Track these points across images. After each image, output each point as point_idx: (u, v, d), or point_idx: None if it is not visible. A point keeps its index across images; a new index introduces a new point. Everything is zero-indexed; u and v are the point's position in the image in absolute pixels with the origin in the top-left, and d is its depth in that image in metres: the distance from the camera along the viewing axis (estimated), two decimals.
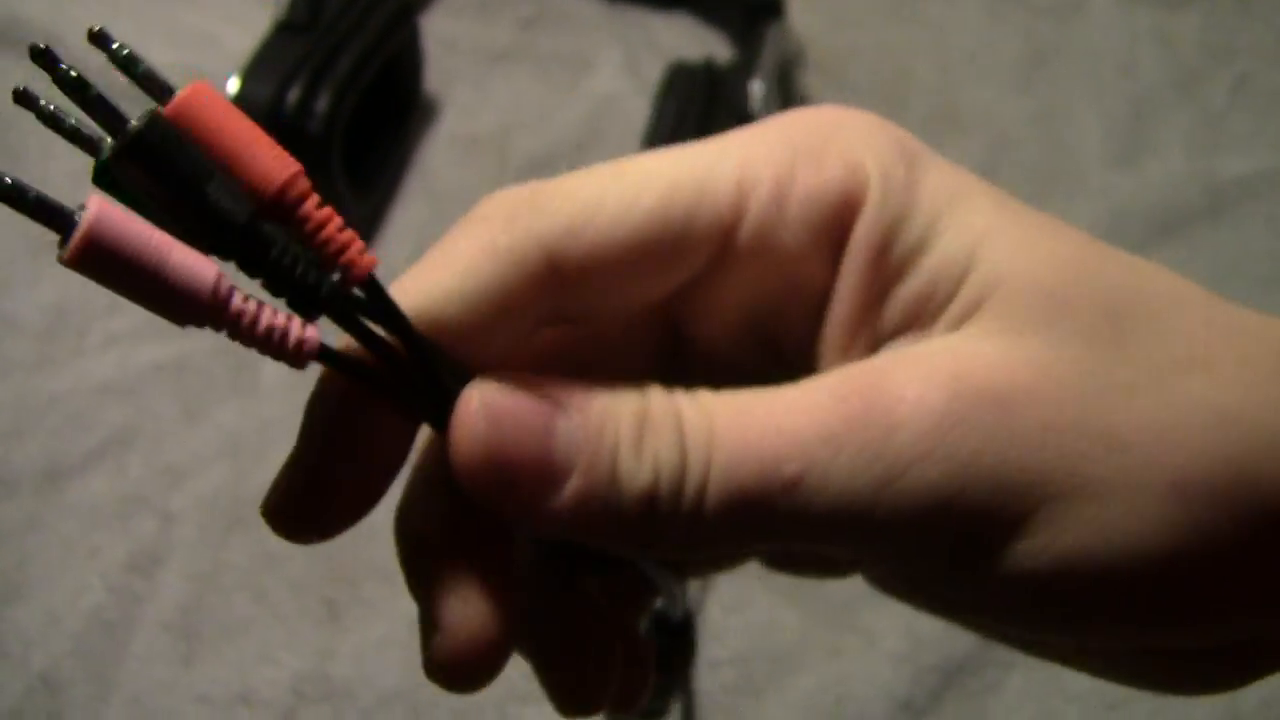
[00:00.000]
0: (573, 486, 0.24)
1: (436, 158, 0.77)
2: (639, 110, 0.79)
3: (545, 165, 0.77)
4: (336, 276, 0.24)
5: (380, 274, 0.24)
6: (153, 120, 0.23)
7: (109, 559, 0.62)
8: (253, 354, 0.72)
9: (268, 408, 0.67)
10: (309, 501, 0.26)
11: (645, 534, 0.24)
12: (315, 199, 0.24)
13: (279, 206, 0.23)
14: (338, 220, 0.24)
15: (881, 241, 0.24)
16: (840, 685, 0.57)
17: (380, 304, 0.24)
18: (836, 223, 0.25)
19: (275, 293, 0.24)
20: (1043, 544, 0.22)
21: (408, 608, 0.62)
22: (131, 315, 0.70)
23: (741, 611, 0.60)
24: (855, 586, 0.61)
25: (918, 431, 0.22)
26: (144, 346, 0.69)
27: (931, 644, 0.58)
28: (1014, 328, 0.23)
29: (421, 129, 0.79)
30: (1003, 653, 0.58)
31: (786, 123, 0.26)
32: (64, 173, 0.76)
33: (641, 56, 0.78)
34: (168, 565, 0.62)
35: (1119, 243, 0.66)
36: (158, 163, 0.23)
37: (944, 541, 0.23)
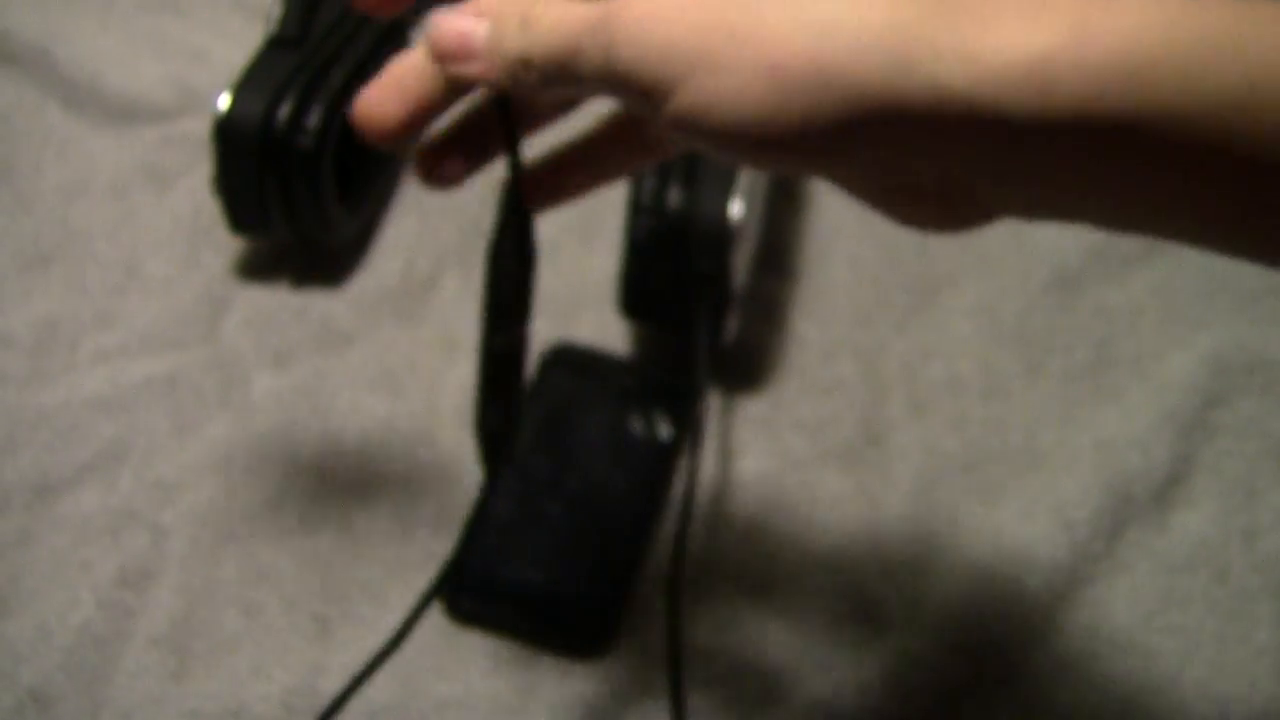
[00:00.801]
0: (478, 63, 0.40)
1: None
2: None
3: None
4: None
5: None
6: None
7: (100, 574, 0.62)
8: (244, 368, 0.71)
9: (259, 422, 0.66)
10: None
11: (514, 84, 0.40)
12: None
13: None
14: None
15: None
16: (831, 703, 0.57)
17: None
18: None
19: None
20: (682, 99, 0.34)
21: (397, 624, 0.62)
22: (123, 330, 0.70)
23: (731, 629, 0.60)
24: (845, 605, 0.61)
25: (616, 43, 0.35)
26: (135, 361, 0.69)
27: (923, 664, 0.58)
28: None
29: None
30: (995, 671, 0.58)
31: None
32: (53, 187, 0.76)
33: None
34: (159, 580, 0.62)
35: (1111, 255, 0.68)
36: None
37: (635, 95, 0.36)
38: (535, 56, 0.38)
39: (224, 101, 0.67)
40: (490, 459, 0.52)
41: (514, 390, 0.52)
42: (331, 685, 0.58)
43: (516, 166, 0.47)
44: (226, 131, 0.67)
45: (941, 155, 0.33)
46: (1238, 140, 0.30)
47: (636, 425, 0.65)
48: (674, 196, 0.62)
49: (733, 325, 0.68)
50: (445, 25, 0.40)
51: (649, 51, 0.35)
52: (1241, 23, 0.30)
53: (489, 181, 0.77)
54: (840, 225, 0.75)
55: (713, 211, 0.62)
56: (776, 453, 0.66)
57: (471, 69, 0.40)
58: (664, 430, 0.65)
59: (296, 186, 0.68)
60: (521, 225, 0.49)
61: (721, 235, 0.63)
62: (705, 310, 0.64)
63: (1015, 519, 0.63)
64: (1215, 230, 0.33)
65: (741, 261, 0.65)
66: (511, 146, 0.46)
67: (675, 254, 0.63)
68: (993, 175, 0.34)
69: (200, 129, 0.78)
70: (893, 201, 0.39)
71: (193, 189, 0.76)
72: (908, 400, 0.68)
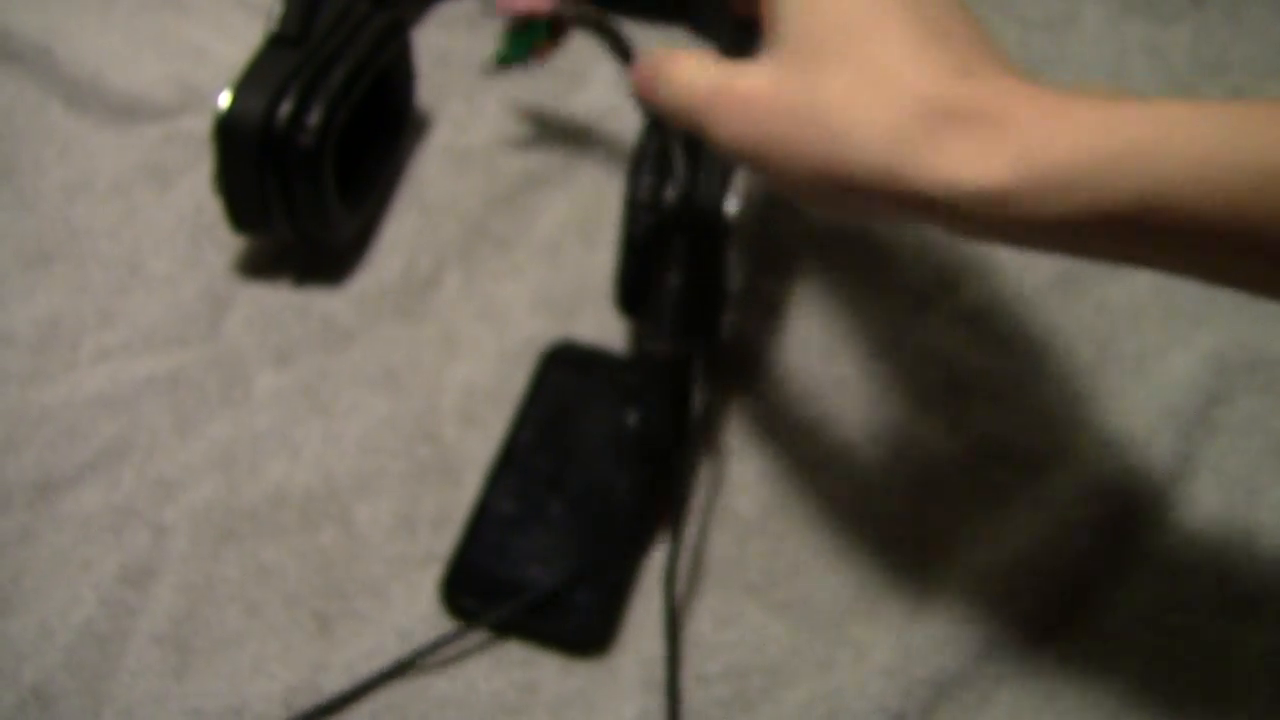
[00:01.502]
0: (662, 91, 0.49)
1: (428, 170, 0.78)
2: (631, 123, 0.79)
3: (535, 178, 0.77)
4: None
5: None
6: None
7: (101, 571, 0.62)
8: (245, 366, 0.72)
9: (260, 420, 0.67)
10: None
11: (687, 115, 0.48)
12: None
13: None
14: None
15: None
16: (832, 699, 0.57)
17: None
18: None
19: None
20: (769, 175, 0.44)
21: (399, 621, 0.62)
22: (124, 328, 0.70)
23: (732, 626, 0.60)
24: (845, 601, 0.61)
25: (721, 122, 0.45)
26: (137, 360, 0.69)
27: (922, 657, 0.58)
28: (773, 59, 0.45)
29: (413, 142, 0.79)
30: (994, 668, 0.58)
31: None
32: (55, 185, 0.76)
33: None
34: (160, 578, 0.62)
35: None
36: None
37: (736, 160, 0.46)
38: (665, 106, 0.49)
39: (224, 100, 0.67)
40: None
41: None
42: (333, 682, 0.58)
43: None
44: (227, 130, 0.67)
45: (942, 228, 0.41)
46: (1250, 217, 0.36)
47: (637, 423, 0.65)
48: (670, 193, 0.62)
49: (730, 322, 0.68)
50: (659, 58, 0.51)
51: (736, 142, 0.45)
52: (1239, 120, 0.36)
53: (489, 181, 0.77)
54: (840, 225, 0.75)
55: (709, 208, 0.62)
56: (776, 452, 0.66)
57: (657, 93, 0.51)
58: (664, 428, 0.65)
59: (297, 185, 0.68)
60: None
61: (718, 232, 0.63)
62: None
63: (1009, 523, 0.63)
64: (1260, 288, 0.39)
65: (739, 258, 0.65)
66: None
67: (671, 251, 0.63)
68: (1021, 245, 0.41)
69: (202, 127, 0.78)
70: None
71: (194, 187, 0.76)
72: (908, 401, 0.68)
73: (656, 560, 0.62)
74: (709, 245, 0.63)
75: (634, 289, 0.65)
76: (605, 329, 0.70)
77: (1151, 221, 0.37)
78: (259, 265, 0.73)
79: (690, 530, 0.63)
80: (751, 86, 0.44)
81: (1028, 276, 0.72)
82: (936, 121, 0.39)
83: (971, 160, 0.38)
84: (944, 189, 0.39)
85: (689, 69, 0.48)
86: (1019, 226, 0.38)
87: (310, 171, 0.68)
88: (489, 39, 0.84)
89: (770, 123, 0.43)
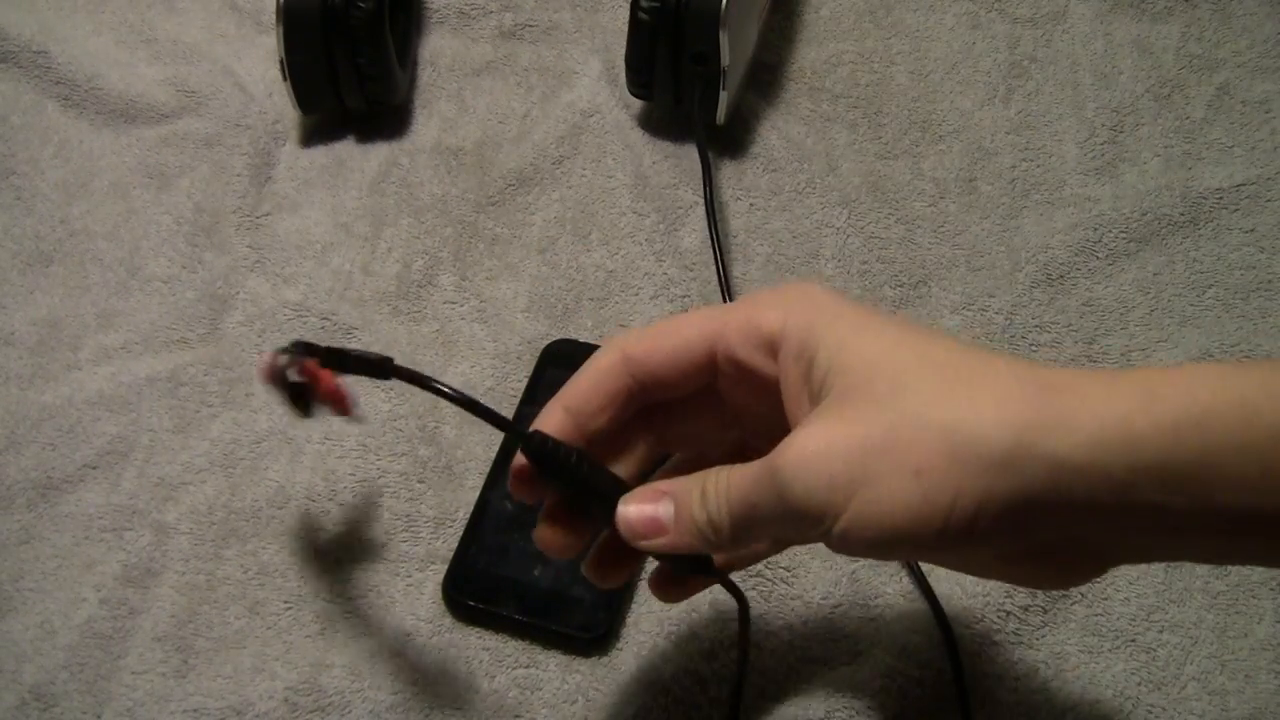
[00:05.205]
0: (668, 536, 0.45)
1: (419, 171, 0.78)
2: (619, 122, 0.80)
3: (526, 177, 0.78)
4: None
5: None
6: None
7: (103, 571, 0.62)
8: (245, 368, 0.72)
9: (261, 421, 0.67)
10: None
11: (705, 545, 0.45)
12: None
13: None
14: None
15: (794, 361, 0.44)
16: (829, 701, 0.58)
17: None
18: (769, 348, 0.45)
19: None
20: (850, 517, 0.40)
21: (400, 621, 0.62)
22: (125, 329, 0.70)
23: (730, 626, 0.60)
24: (842, 596, 0.61)
25: (792, 473, 0.41)
26: (138, 360, 0.69)
27: (922, 661, 0.59)
28: (830, 411, 0.41)
29: (404, 142, 0.79)
30: (996, 667, 0.59)
31: (762, 294, 0.47)
32: (53, 186, 0.76)
33: (621, 68, 0.78)
34: (162, 578, 0.62)
35: (1097, 253, 0.69)
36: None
37: (811, 523, 0.41)
38: (720, 521, 0.44)
39: None
40: None
41: None
42: (334, 682, 0.59)
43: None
44: (291, 14, 0.73)
45: (1063, 520, 0.39)
46: None
47: None
48: None
49: (725, 103, 0.75)
50: (634, 513, 0.46)
51: (817, 485, 0.40)
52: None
53: (480, 181, 0.77)
54: (828, 219, 0.75)
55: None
56: None
57: (661, 542, 0.45)
58: None
59: (364, 50, 0.74)
60: None
61: (714, 16, 0.72)
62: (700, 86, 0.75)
63: None
64: None
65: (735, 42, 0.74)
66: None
67: (674, 35, 0.73)
68: (1105, 529, 0.40)
69: (199, 128, 0.78)
70: (1015, 568, 0.44)
71: (193, 188, 0.76)
72: None
73: None
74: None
75: (643, 73, 0.76)
76: (603, 328, 0.71)
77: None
78: (260, 264, 0.73)
79: None
80: (827, 434, 0.41)
81: (1016, 271, 0.73)
82: (1056, 394, 0.39)
83: (1095, 409, 0.38)
84: (1074, 446, 0.38)
85: (718, 475, 0.44)
86: (1153, 471, 0.38)
87: (375, 36, 0.74)
88: (479, 41, 0.84)
89: (866, 444, 0.40)
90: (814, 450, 0.41)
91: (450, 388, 0.47)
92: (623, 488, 0.47)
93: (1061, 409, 0.38)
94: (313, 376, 0.51)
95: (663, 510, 0.45)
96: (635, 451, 0.50)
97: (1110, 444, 0.37)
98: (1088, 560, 0.43)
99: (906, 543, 0.41)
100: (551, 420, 0.48)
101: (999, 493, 0.38)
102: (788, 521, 0.42)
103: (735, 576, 0.52)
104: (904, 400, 0.40)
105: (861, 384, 0.41)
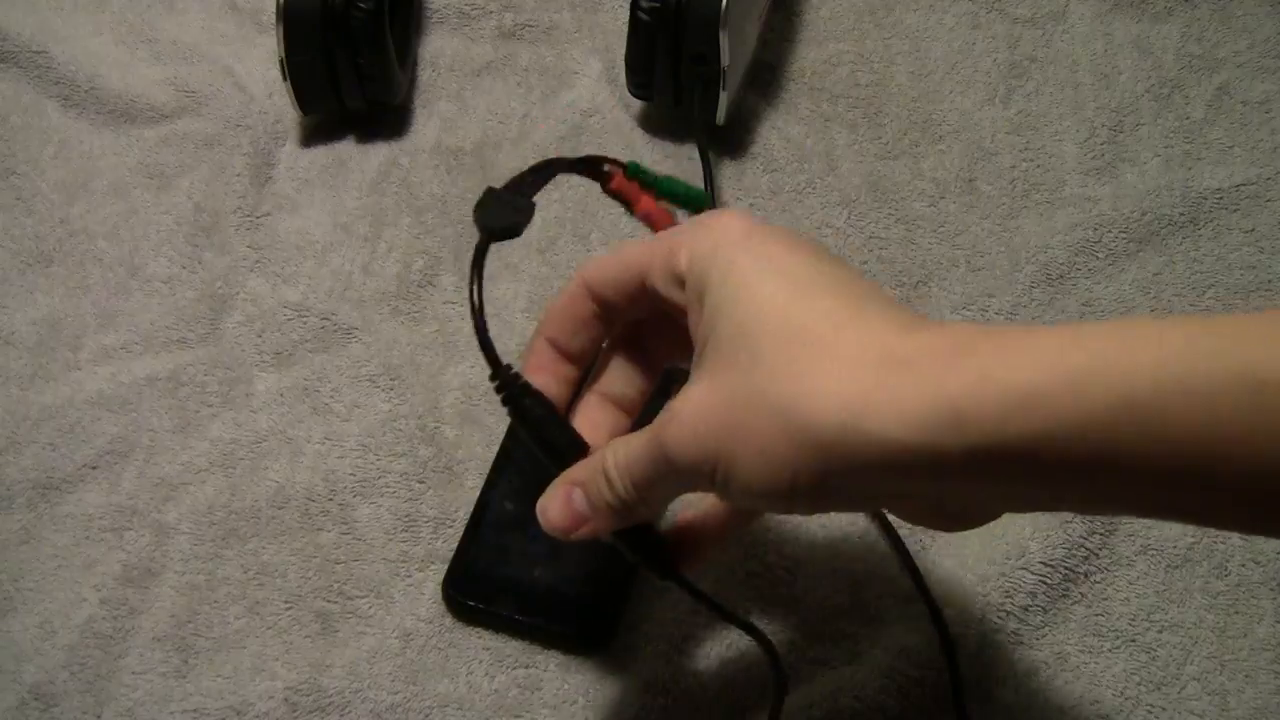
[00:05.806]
0: (591, 523, 0.47)
1: (419, 171, 0.78)
2: (619, 122, 0.80)
3: None
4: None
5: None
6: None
7: (103, 571, 0.62)
8: (245, 367, 0.72)
9: (261, 421, 0.67)
10: None
11: (631, 518, 0.47)
12: None
13: None
14: None
15: (695, 298, 0.44)
16: (828, 700, 0.58)
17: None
18: (680, 281, 0.45)
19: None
20: (729, 481, 0.41)
21: (400, 620, 0.63)
22: (125, 329, 0.70)
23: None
24: (842, 596, 0.61)
25: (672, 442, 0.43)
26: (137, 360, 0.69)
27: (921, 660, 0.59)
28: (704, 372, 0.43)
29: (404, 142, 0.79)
30: (995, 667, 0.59)
31: (687, 226, 0.47)
32: (53, 186, 0.76)
33: (621, 68, 0.78)
34: (162, 578, 0.62)
35: (1096, 253, 0.69)
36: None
37: (703, 481, 0.42)
38: (630, 495, 0.45)
39: None
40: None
41: None
42: (335, 682, 0.59)
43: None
44: (291, 15, 0.73)
45: (909, 489, 0.41)
46: (1124, 448, 0.35)
47: None
48: None
49: (725, 104, 0.75)
50: (554, 512, 0.47)
51: (694, 453, 0.42)
52: (1116, 348, 0.36)
53: (480, 181, 0.77)
54: (828, 220, 0.75)
55: None
56: None
57: (587, 530, 0.47)
58: None
59: (363, 50, 0.74)
60: None
61: (714, 17, 0.72)
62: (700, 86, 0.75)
63: (1009, 516, 0.64)
64: (1178, 516, 0.39)
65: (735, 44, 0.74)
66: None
67: (674, 35, 0.73)
68: (958, 496, 0.42)
69: (199, 128, 0.78)
70: (907, 514, 0.47)
71: (192, 189, 0.76)
72: None
73: None
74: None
75: (643, 74, 0.76)
76: None
77: (1120, 435, 0.35)
78: (261, 264, 0.73)
79: None
80: (698, 402, 0.42)
81: (1015, 271, 0.73)
82: (891, 371, 0.39)
83: (924, 391, 0.38)
84: (903, 427, 0.38)
85: (615, 450, 0.45)
86: (981, 453, 0.37)
87: (375, 36, 0.74)
88: (479, 41, 0.84)
89: (727, 417, 0.41)
90: (689, 414, 0.42)
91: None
92: (581, 452, 0.48)
93: (895, 388, 0.38)
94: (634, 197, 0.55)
95: (577, 501, 0.47)
96: (640, 366, 0.52)
97: (939, 426, 0.37)
98: (971, 514, 0.45)
99: (771, 505, 0.44)
100: (538, 352, 0.50)
101: (835, 470, 0.39)
102: (684, 482, 0.44)
103: (734, 576, 0.52)
104: (756, 375, 0.41)
105: (728, 348, 0.42)
